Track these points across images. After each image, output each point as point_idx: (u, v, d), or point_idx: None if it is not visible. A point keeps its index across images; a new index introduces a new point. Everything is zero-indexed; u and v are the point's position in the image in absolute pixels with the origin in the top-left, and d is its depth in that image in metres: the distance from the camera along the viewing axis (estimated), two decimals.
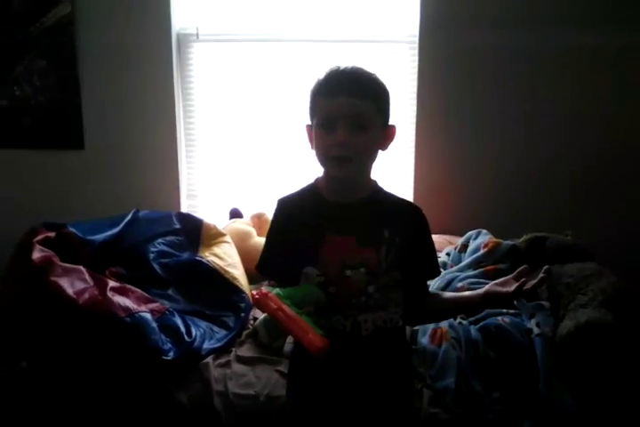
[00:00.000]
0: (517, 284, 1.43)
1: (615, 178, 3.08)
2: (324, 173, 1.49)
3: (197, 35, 3.18)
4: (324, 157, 1.44)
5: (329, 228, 1.45)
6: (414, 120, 3.14)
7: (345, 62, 1.43)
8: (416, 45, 3.07)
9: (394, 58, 3.15)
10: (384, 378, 1.51)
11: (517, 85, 3.06)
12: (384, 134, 1.46)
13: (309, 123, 1.47)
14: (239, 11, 3.18)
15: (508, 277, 1.47)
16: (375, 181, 1.53)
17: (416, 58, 3.08)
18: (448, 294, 1.66)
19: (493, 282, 1.51)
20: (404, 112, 3.17)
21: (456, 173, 3.14)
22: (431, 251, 1.57)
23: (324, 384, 1.50)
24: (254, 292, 1.34)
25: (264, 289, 1.34)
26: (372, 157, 1.46)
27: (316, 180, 1.53)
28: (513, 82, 3.06)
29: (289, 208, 1.54)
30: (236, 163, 3.34)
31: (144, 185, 3.22)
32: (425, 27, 3.02)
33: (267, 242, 1.59)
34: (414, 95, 3.12)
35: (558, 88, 3.05)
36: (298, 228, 1.48)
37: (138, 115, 3.22)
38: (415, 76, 3.10)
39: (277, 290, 1.34)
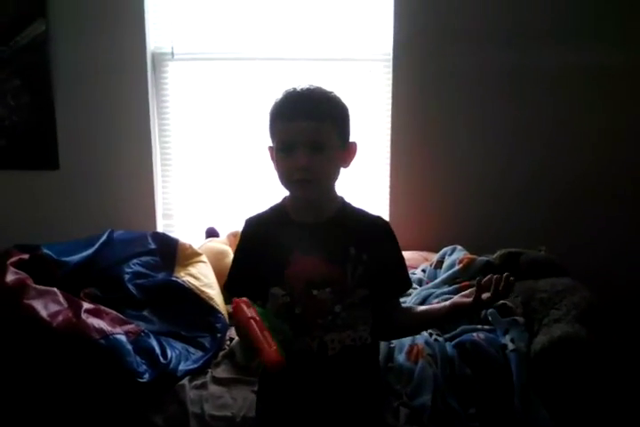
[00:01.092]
0: (475, 294, 1.44)
1: (590, 195, 3.11)
2: (289, 195, 1.51)
3: (172, 53, 3.19)
4: (285, 180, 1.45)
5: (294, 248, 1.46)
6: (389, 137, 3.15)
7: (302, 83, 1.44)
8: (390, 63, 3.09)
9: (368, 76, 3.17)
10: (353, 397, 1.51)
11: (493, 102, 3.09)
12: (345, 153, 1.47)
13: (271, 144, 1.48)
14: (214, 29, 3.20)
15: (474, 288, 1.49)
16: (342, 198, 1.54)
17: (390, 76, 3.11)
18: (419, 308, 1.66)
19: (461, 293, 1.53)
20: (379, 129, 3.19)
21: (431, 189, 3.16)
22: (400, 265, 1.57)
23: (292, 404, 1.50)
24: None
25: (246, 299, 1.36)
26: (333, 177, 1.48)
27: (284, 199, 1.55)
28: (488, 99, 3.09)
29: (256, 227, 1.55)
30: (211, 181, 3.33)
31: (119, 205, 3.20)
32: (398, 45, 3.05)
33: (234, 261, 1.60)
34: (389, 113, 3.14)
35: (535, 104, 3.08)
36: (264, 247, 1.49)
37: (113, 134, 3.21)
38: (390, 94, 3.12)
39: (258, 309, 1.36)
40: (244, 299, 1.36)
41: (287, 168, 1.42)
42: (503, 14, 2.99)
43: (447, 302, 1.53)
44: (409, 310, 1.65)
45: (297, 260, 1.46)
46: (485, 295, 1.43)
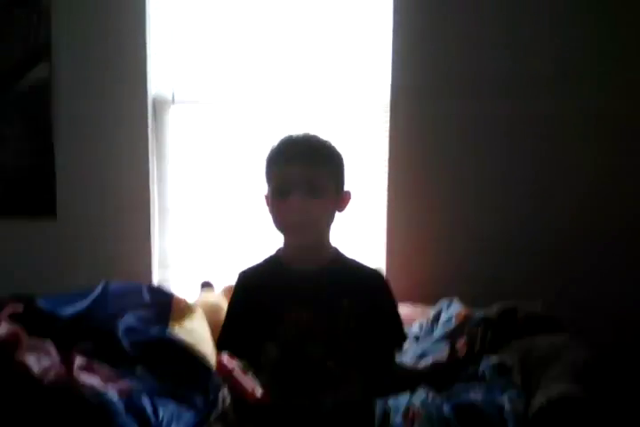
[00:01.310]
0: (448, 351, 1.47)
1: (589, 246, 3.09)
2: (284, 241, 1.52)
3: (173, 99, 3.22)
4: (280, 225, 1.47)
5: (288, 302, 1.46)
6: (386, 186, 3.16)
7: (299, 131, 1.48)
8: (388, 109, 3.12)
9: (366, 123, 3.19)
10: None
11: (490, 150, 3.09)
12: (339, 200, 1.50)
13: (266, 192, 1.51)
14: (215, 75, 3.24)
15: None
16: (336, 248, 1.55)
17: (387, 124, 3.13)
18: (408, 366, 1.66)
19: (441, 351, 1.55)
20: (375, 178, 3.21)
21: (429, 240, 3.15)
22: (394, 318, 1.57)
23: None
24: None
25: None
26: (328, 223, 1.50)
27: (278, 250, 1.56)
28: (485, 146, 3.09)
29: (249, 281, 1.57)
30: (210, 231, 3.32)
31: (116, 254, 3.19)
32: (396, 94, 3.08)
33: (227, 316, 1.60)
34: (386, 161, 3.16)
35: (527, 154, 3.09)
36: (257, 303, 1.49)
37: (111, 182, 3.21)
38: (387, 141, 3.14)
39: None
40: (226, 355, 1.37)
41: (282, 212, 1.44)
42: (500, 62, 3.03)
43: (429, 362, 1.54)
44: (402, 365, 1.65)
45: (290, 316, 1.45)
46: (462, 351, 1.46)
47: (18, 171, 3.25)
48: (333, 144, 1.51)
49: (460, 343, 1.54)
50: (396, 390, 1.89)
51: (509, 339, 2.45)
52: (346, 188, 1.53)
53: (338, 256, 1.54)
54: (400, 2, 3.02)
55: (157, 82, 3.25)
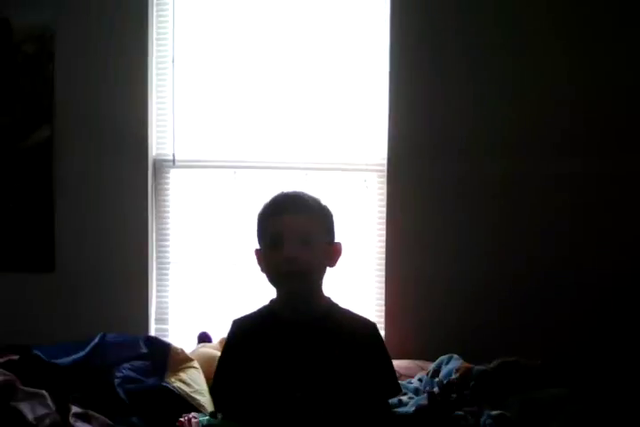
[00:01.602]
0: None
1: (589, 295, 3.10)
2: (277, 291, 1.54)
3: (174, 160, 3.30)
4: (273, 274, 1.50)
5: (281, 353, 1.48)
6: (384, 245, 3.19)
7: (289, 188, 1.57)
8: (384, 174, 3.19)
9: (363, 185, 3.26)
10: None
11: (490, 212, 3.13)
12: (330, 251, 1.52)
13: (257, 247, 1.55)
14: (215, 137, 3.33)
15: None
16: (329, 298, 1.57)
17: (384, 186, 3.20)
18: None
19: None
20: (373, 237, 3.25)
21: (427, 297, 3.15)
22: (387, 368, 1.58)
23: None
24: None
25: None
26: (321, 272, 1.52)
27: (271, 301, 1.58)
28: (485, 209, 3.14)
29: (242, 329, 1.58)
30: (206, 287, 3.34)
31: (113, 308, 3.18)
32: (392, 156, 3.16)
33: (219, 364, 1.61)
34: (383, 222, 3.20)
35: (522, 210, 3.14)
36: (250, 352, 1.51)
37: (110, 238, 3.25)
38: (384, 203, 3.20)
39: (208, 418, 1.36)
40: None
41: (275, 261, 1.47)
42: (499, 124, 3.11)
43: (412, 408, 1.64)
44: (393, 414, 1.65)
45: (282, 365, 1.47)
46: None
47: (18, 226, 3.29)
48: (323, 200, 1.57)
49: (436, 391, 1.57)
50: None
51: (510, 392, 2.43)
52: (337, 240, 1.58)
53: (331, 306, 1.56)
54: (395, 60, 3.13)
55: (158, 144, 3.34)
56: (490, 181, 3.12)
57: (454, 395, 1.51)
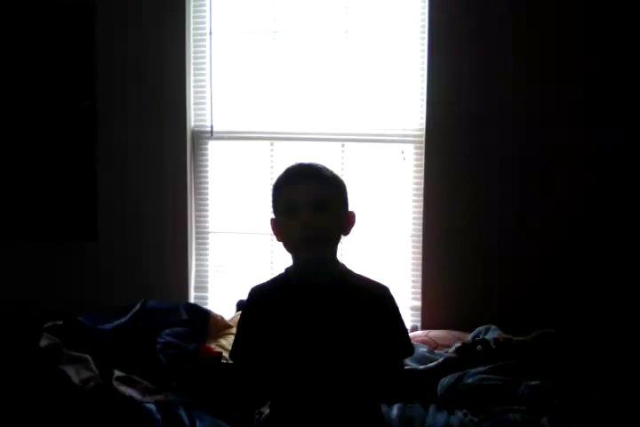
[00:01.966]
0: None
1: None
2: (293, 259, 1.56)
3: (212, 132, 3.31)
4: (289, 241, 1.52)
5: (296, 316, 1.51)
6: (421, 216, 3.18)
7: (303, 159, 1.60)
8: (422, 145, 3.16)
9: (400, 157, 3.24)
10: None
11: (528, 184, 3.08)
12: (345, 220, 1.56)
13: (273, 217, 1.59)
14: (252, 108, 3.34)
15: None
16: (343, 264, 1.59)
17: (422, 157, 3.17)
18: (418, 368, 1.70)
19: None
20: (409, 208, 3.24)
21: (465, 268, 3.13)
22: (400, 329, 1.59)
23: None
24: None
25: None
26: (335, 240, 1.55)
27: (286, 269, 1.60)
28: (523, 182, 3.09)
29: (259, 296, 1.60)
30: (245, 255, 3.38)
31: (154, 277, 3.24)
32: (431, 126, 3.11)
33: (237, 330, 1.64)
34: (420, 194, 3.18)
35: (563, 182, 3.07)
36: (266, 317, 1.54)
37: (150, 208, 3.30)
38: (422, 175, 3.17)
39: None
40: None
41: (291, 228, 1.50)
42: (539, 95, 3.04)
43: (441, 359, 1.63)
44: (410, 371, 1.69)
45: (297, 332, 1.50)
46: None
47: (62, 196, 3.36)
48: (336, 171, 1.61)
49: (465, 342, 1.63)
50: (413, 393, 1.90)
51: (549, 363, 2.43)
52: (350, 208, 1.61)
53: (345, 272, 1.59)
54: (435, 37, 3.07)
55: (197, 116, 3.35)
56: (531, 151, 3.06)
57: (480, 346, 1.52)
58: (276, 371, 1.52)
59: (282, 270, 1.61)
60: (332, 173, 1.57)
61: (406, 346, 1.59)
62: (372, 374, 1.52)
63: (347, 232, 1.57)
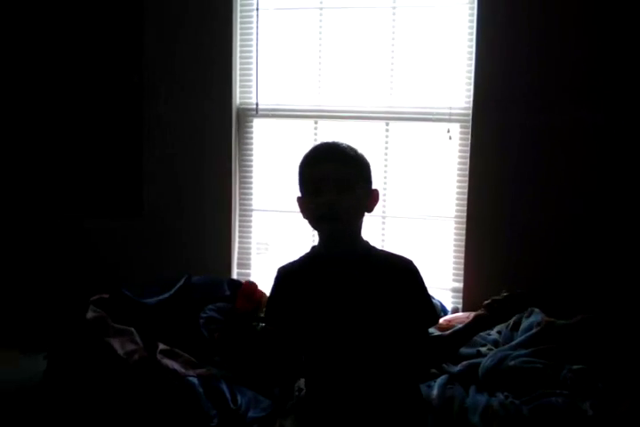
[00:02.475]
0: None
1: None
2: (318, 236, 1.61)
3: (257, 109, 3.32)
4: (314, 219, 1.56)
5: (323, 291, 1.55)
6: (466, 198, 3.14)
7: (328, 138, 1.65)
8: (469, 124, 3.11)
9: (446, 136, 3.19)
10: None
11: (576, 162, 3.00)
12: (368, 197, 1.58)
13: (299, 195, 1.61)
14: (298, 86, 3.33)
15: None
16: (367, 241, 1.62)
17: (468, 137, 3.12)
18: (445, 333, 1.70)
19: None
20: (452, 188, 3.20)
21: (508, 248, 3.09)
22: (425, 300, 1.61)
23: None
24: None
25: None
26: (358, 217, 1.58)
27: (312, 247, 1.65)
28: (571, 159, 3.01)
29: (287, 273, 1.66)
30: (288, 234, 3.40)
31: (198, 253, 3.29)
32: (478, 105, 3.05)
33: (267, 306, 1.70)
34: (466, 174, 3.14)
35: (615, 160, 2.98)
36: (295, 292, 1.59)
37: (195, 185, 3.34)
38: (467, 155, 3.13)
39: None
40: None
41: (315, 206, 1.53)
42: (587, 74, 2.96)
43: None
44: (437, 337, 1.68)
45: (325, 302, 1.53)
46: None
47: (108, 173, 3.42)
48: (360, 150, 1.63)
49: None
50: (446, 356, 1.96)
51: (592, 346, 2.40)
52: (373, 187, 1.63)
53: (369, 248, 1.61)
54: (484, 14, 3.00)
55: (242, 93, 3.36)
56: (582, 130, 2.97)
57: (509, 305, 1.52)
58: (307, 345, 1.56)
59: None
60: (355, 151, 1.60)
61: (431, 315, 1.62)
62: (401, 344, 1.55)
63: (370, 209, 1.60)
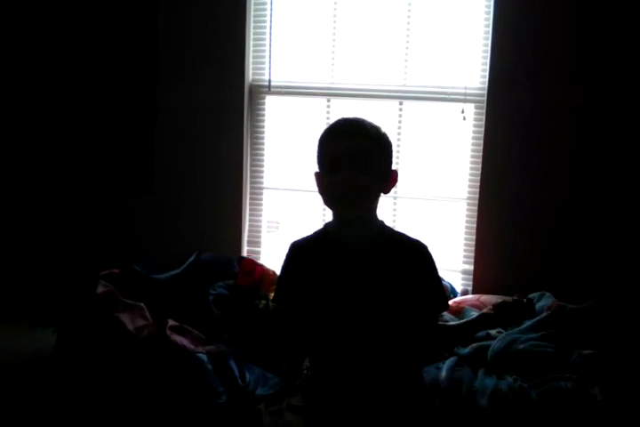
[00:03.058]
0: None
1: None
2: (333, 215, 1.56)
3: (269, 86, 3.28)
4: (330, 197, 1.51)
5: (334, 273, 1.52)
6: (479, 179, 3.11)
7: (350, 114, 1.57)
8: (483, 104, 3.07)
9: (461, 116, 3.15)
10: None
11: (591, 144, 2.95)
12: (387, 178, 1.54)
13: (317, 170, 1.56)
14: (311, 63, 3.29)
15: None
16: (382, 221, 1.59)
17: (483, 117, 3.09)
18: (451, 323, 1.71)
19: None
20: (465, 169, 3.17)
21: (520, 232, 3.06)
22: (436, 285, 1.59)
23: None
24: None
25: None
26: (375, 197, 1.54)
27: (326, 224, 1.61)
28: (586, 139, 2.96)
29: (299, 250, 1.62)
30: (299, 212, 3.39)
31: (208, 230, 3.29)
32: (493, 84, 3.01)
33: (277, 283, 1.66)
34: (479, 155, 3.11)
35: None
36: (305, 272, 1.56)
37: (206, 162, 3.32)
38: (481, 135, 3.09)
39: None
40: None
41: (332, 184, 1.49)
42: (601, 54, 2.90)
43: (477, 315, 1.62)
44: (442, 326, 1.68)
45: (335, 284, 1.51)
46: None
47: (121, 150, 3.41)
48: (382, 128, 1.57)
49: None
50: (447, 347, 2.00)
51: (603, 331, 2.38)
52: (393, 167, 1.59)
53: (383, 229, 1.58)
54: None
55: (255, 70, 3.32)
56: (598, 109, 2.92)
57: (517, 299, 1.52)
58: (314, 325, 1.54)
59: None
60: (377, 129, 1.54)
61: (442, 301, 1.60)
62: (409, 328, 1.53)
63: (387, 190, 1.56)
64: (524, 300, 1.63)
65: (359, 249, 1.52)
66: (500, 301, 1.60)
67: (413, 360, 1.60)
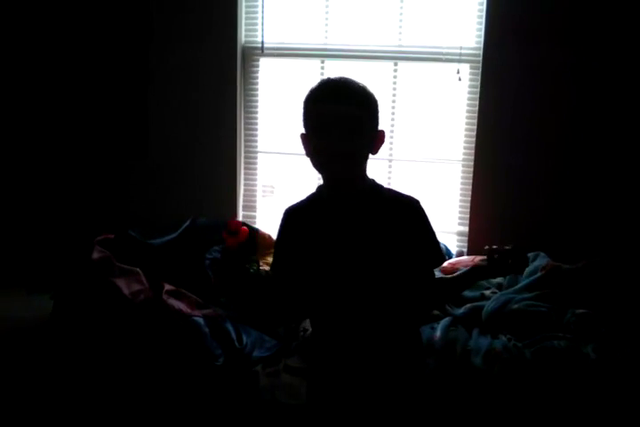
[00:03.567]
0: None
1: None
2: (323, 177, 1.55)
3: (262, 48, 3.24)
4: (318, 160, 1.50)
5: (329, 231, 1.53)
6: (474, 140, 3.09)
7: (337, 75, 1.55)
8: (479, 65, 3.04)
9: (456, 77, 3.11)
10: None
11: (586, 105, 2.94)
12: (374, 139, 1.53)
13: (304, 132, 1.54)
14: (304, 24, 3.24)
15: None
16: (373, 180, 1.58)
17: (477, 77, 3.05)
18: (445, 276, 1.69)
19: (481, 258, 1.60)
20: (461, 131, 3.15)
21: (515, 191, 3.07)
22: (431, 239, 1.58)
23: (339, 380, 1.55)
24: None
25: None
26: (363, 158, 1.53)
27: (318, 187, 1.61)
28: (581, 100, 2.94)
29: (293, 214, 1.61)
30: (293, 176, 3.37)
31: (203, 195, 3.28)
32: (489, 44, 2.97)
33: (275, 247, 1.66)
34: (475, 116, 3.09)
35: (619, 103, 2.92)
36: (301, 233, 1.56)
37: (200, 126, 3.30)
38: (477, 96, 3.06)
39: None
40: None
41: (321, 147, 1.47)
42: (598, 15, 2.86)
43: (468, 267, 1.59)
44: (439, 279, 1.67)
45: (331, 241, 1.52)
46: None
47: (114, 116, 3.37)
48: (368, 88, 1.55)
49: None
50: (444, 300, 2.00)
51: (597, 291, 2.40)
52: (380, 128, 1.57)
53: (375, 187, 1.58)
54: None
55: (247, 31, 3.27)
56: (593, 71, 2.89)
57: (510, 260, 1.50)
58: (314, 284, 1.55)
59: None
60: (364, 89, 1.52)
61: (437, 255, 1.59)
62: (406, 283, 1.54)
63: (375, 151, 1.55)
64: (518, 248, 1.62)
65: (353, 205, 1.53)
66: (493, 247, 1.58)
67: (412, 316, 1.61)
